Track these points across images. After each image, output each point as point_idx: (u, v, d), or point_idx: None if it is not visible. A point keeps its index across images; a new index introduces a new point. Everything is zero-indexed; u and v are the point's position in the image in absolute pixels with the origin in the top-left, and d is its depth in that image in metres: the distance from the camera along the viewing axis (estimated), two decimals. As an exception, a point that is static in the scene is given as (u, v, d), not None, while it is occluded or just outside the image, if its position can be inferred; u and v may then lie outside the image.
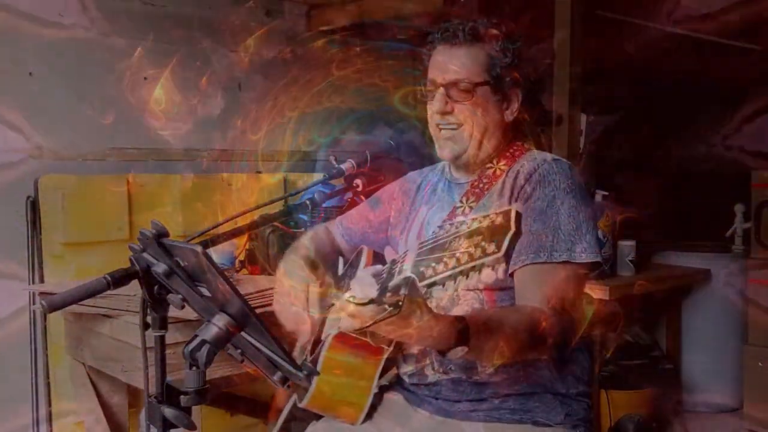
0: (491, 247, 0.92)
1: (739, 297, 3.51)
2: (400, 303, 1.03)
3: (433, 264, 0.96)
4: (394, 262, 1.10)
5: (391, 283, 1.02)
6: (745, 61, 3.87)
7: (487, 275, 0.94)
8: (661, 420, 3.39)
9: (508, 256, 0.93)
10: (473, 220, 0.97)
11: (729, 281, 3.61)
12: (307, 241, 1.84)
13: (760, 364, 3.24)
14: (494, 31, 1.58)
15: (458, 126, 1.58)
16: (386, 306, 1.04)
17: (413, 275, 0.97)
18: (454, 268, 0.94)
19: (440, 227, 1.02)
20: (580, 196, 1.51)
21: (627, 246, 3.25)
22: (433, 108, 1.59)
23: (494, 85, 1.57)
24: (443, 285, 0.96)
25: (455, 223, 1.00)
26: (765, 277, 3.27)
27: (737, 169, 3.96)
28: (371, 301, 1.05)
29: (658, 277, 3.46)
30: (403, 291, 1.01)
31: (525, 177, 1.54)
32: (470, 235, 0.95)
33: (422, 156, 1.77)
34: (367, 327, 1.15)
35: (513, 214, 0.94)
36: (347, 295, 1.11)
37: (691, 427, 3.54)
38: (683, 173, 4.63)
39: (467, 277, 0.94)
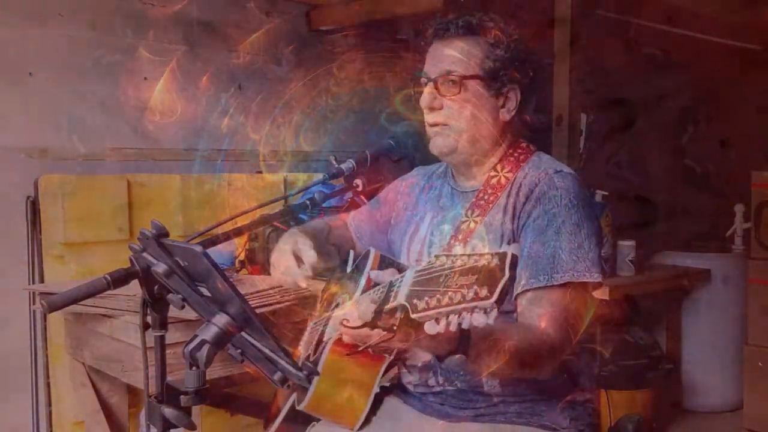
0: (483, 292, 0.91)
1: (739, 297, 3.51)
2: (394, 327, 1.03)
3: (426, 298, 0.95)
4: (391, 284, 1.10)
5: (387, 307, 1.03)
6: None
7: (478, 319, 0.92)
8: (660, 420, 3.39)
9: (500, 302, 0.91)
10: (470, 256, 0.95)
11: (729, 281, 3.61)
12: (324, 223, 1.83)
13: (760, 364, 3.24)
14: (488, 24, 1.53)
15: (447, 122, 1.52)
16: (380, 330, 1.05)
17: (407, 304, 0.97)
18: (446, 306, 0.93)
19: (437, 256, 0.99)
20: (583, 212, 1.45)
21: (627, 246, 3.25)
22: (421, 103, 1.54)
23: (487, 79, 1.51)
24: (435, 320, 0.95)
25: (451, 256, 0.97)
26: (765, 277, 3.27)
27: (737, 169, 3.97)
28: (365, 325, 1.06)
29: (658, 277, 3.46)
30: (398, 315, 1.01)
31: (525, 193, 1.48)
32: (465, 272, 0.93)
33: (422, 156, 1.75)
34: (361, 349, 1.16)
35: (508, 259, 0.92)
36: (342, 312, 1.13)
37: (691, 427, 3.54)
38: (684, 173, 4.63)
39: (459, 316, 0.93)
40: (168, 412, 1.13)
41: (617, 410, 3.14)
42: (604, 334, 3.31)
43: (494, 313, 0.92)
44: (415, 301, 0.96)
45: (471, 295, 0.91)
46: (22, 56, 2.67)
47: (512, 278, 0.92)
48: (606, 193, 3.24)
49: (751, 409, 3.29)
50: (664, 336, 3.74)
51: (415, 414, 1.59)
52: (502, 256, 0.93)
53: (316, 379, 1.46)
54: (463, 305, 0.92)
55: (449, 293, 0.93)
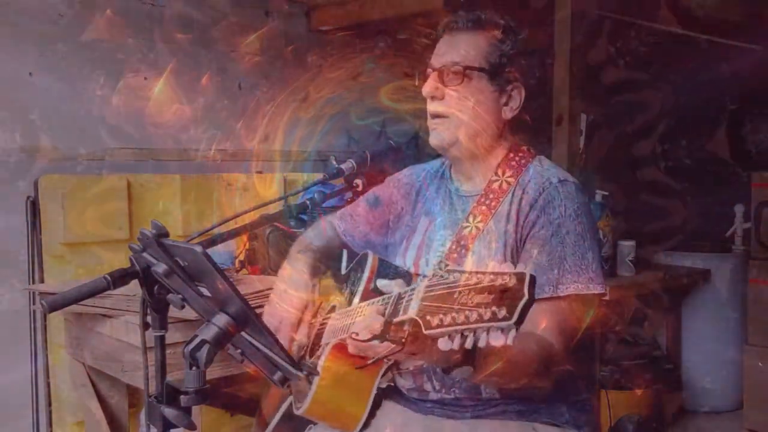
0: (502, 312, 0.90)
1: (739, 297, 3.51)
2: (404, 340, 1.02)
3: (441, 315, 0.93)
4: (400, 296, 1.09)
5: (396, 320, 1.02)
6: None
7: (496, 338, 0.91)
8: (661, 420, 3.39)
9: (519, 323, 0.90)
10: (485, 274, 0.94)
11: (729, 281, 3.61)
12: (307, 248, 1.79)
13: (760, 364, 3.24)
14: (497, 21, 1.53)
15: (447, 113, 1.51)
16: (389, 343, 1.05)
17: (419, 319, 0.95)
18: (462, 324, 0.92)
19: (449, 271, 0.97)
20: (586, 222, 1.46)
21: (627, 246, 3.25)
22: (423, 91, 1.53)
23: (491, 73, 1.50)
24: (449, 337, 0.94)
25: (465, 272, 0.95)
26: (765, 277, 3.27)
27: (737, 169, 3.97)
28: (374, 338, 1.06)
29: (658, 277, 3.46)
30: (407, 328, 1.00)
31: (529, 202, 1.48)
32: (481, 291, 0.92)
33: (421, 155, 1.75)
34: (370, 362, 1.15)
35: (527, 279, 0.91)
36: (344, 322, 1.11)
37: (691, 427, 3.54)
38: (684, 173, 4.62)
39: (474, 333, 0.92)
40: (168, 412, 1.13)
41: (617, 410, 3.14)
42: (604, 334, 3.31)
43: (513, 333, 0.91)
44: (428, 317, 0.94)
45: (488, 315, 0.90)
46: (22, 56, 2.67)
47: (531, 300, 0.91)
48: (606, 193, 3.24)
49: (751, 409, 3.29)
50: (664, 336, 3.74)
51: (412, 416, 1.58)
52: (520, 277, 0.91)
53: (315, 382, 1.46)
54: (480, 324, 0.91)
55: (465, 312, 0.91)
